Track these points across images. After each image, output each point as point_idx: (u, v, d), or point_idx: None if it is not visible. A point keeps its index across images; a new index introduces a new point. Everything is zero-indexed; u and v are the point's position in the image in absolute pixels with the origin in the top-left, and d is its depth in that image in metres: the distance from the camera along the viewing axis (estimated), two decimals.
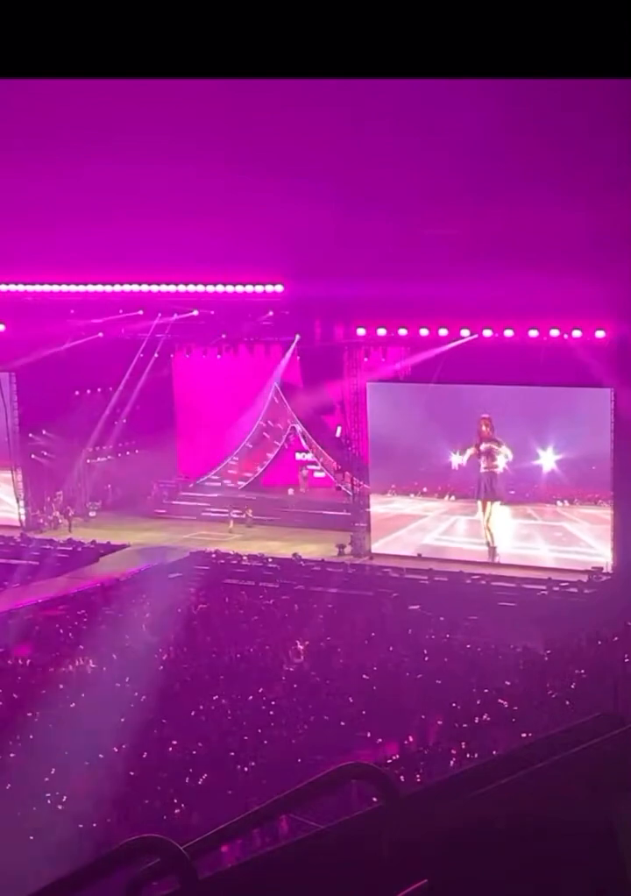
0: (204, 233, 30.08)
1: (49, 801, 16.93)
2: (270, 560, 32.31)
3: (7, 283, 36.53)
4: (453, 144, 27.69)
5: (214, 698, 21.51)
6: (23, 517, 37.24)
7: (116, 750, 18.52)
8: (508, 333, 31.24)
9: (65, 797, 16.99)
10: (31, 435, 37.58)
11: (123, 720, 19.56)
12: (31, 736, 19.55)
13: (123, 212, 30.70)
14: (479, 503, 31.66)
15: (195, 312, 36.14)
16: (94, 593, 30.21)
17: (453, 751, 18.48)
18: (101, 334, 36.96)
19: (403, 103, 25.97)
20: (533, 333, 31.07)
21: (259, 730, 19.84)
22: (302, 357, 36.94)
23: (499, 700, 20.69)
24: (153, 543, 34.68)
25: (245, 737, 19.54)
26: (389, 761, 18.22)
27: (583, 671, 22.12)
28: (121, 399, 38.40)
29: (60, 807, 16.82)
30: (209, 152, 30.15)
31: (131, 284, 35.67)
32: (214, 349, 38.21)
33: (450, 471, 31.90)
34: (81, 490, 38.68)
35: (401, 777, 16.71)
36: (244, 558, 32.72)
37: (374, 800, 2.52)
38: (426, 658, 23.48)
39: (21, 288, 36.63)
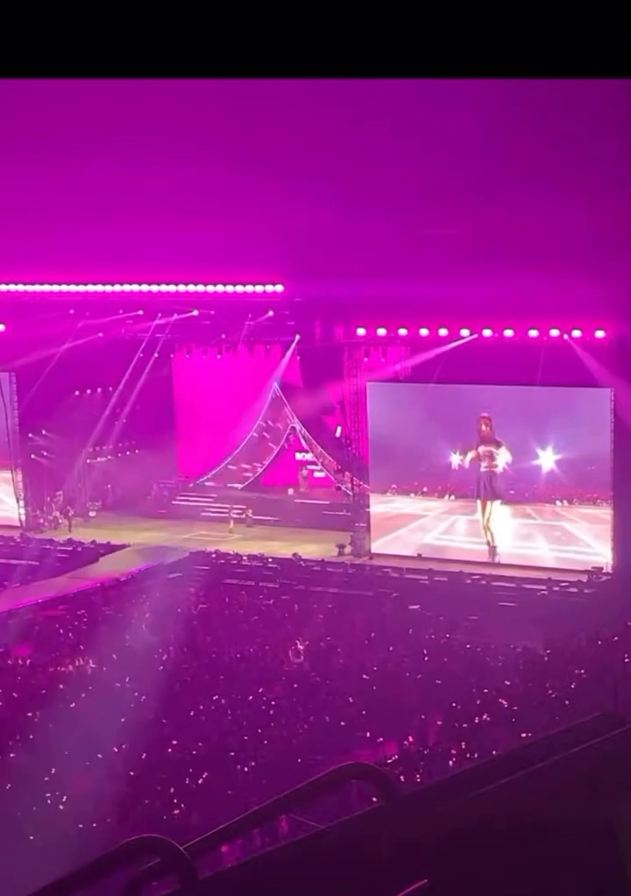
0: (204, 233, 30.08)
1: (49, 801, 16.93)
2: (270, 560, 32.31)
3: (7, 283, 36.53)
4: (453, 144, 27.69)
5: (214, 698, 21.50)
6: (23, 517, 37.25)
7: (116, 750, 18.52)
8: (508, 333, 31.24)
9: (65, 797, 16.99)
10: (31, 435, 37.60)
11: (123, 720, 19.56)
12: (31, 736, 19.55)
13: (123, 212, 30.70)
14: (479, 502, 31.67)
15: (195, 312, 36.14)
16: (94, 593, 30.22)
17: (453, 751, 18.48)
18: (101, 334, 36.95)
19: (403, 103, 25.96)
20: (533, 333, 31.07)
21: (259, 730, 19.83)
22: (302, 357, 36.94)
23: (500, 700, 20.69)
24: (153, 543, 34.68)
25: (245, 737, 19.54)
26: (389, 761, 18.22)
27: (583, 671, 22.12)
28: (121, 399, 38.40)
29: (60, 807, 16.82)
30: (209, 152, 30.15)
31: (131, 284, 35.66)
32: (214, 349, 38.20)
33: (449, 471, 31.92)
34: (81, 490, 38.69)
35: (401, 777, 16.71)
36: (244, 558, 32.72)
37: (374, 799, 2.52)
38: (426, 658, 23.48)
39: (21, 287, 36.63)
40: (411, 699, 21.12)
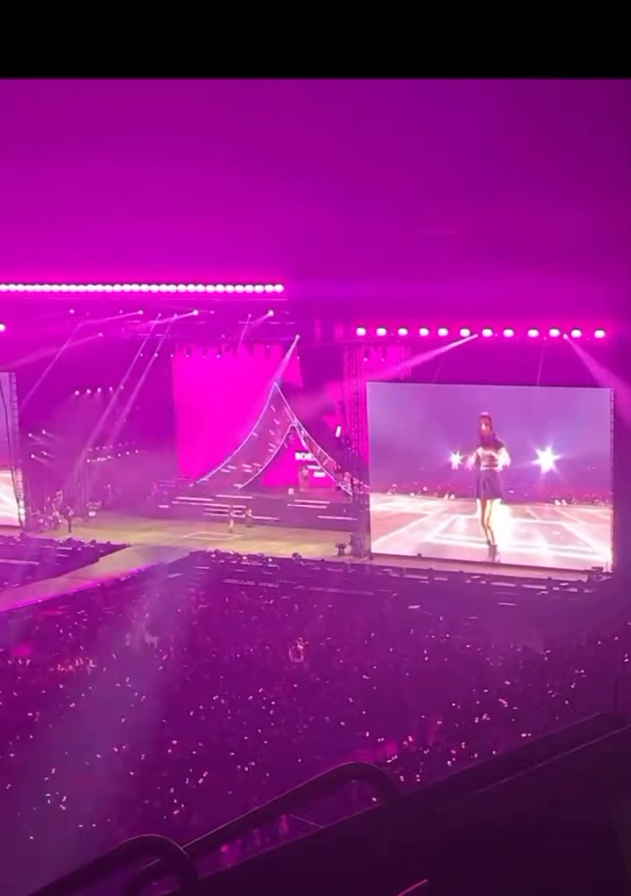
0: (204, 233, 30.07)
1: (49, 801, 16.92)
2: (270, 560, 32.32)
3: (7, 283, 36.53)
4: (453, 144, 27.69)
5: (214, 698, 21.50)
6: (23, 517, 37.25)
7: (116, 750, 18.52)
8: (508, 333, 31.25)
9: (65, 797, 16.99)
10: (31, 435, 37.61)
11: (123, 720, 19.56)
12: (31, 736, 19.56)
13: (123, 212, 30.69)
14: (478, 502, 31.69)
15: (195, 312, 36.14)
16: (94, 593, 30.22)
17: (453, 751, 18.47)
18: (101, 334, 36.95)
19: (403, 103, 25.96)
20: (533, 333, 31.08)
21: (259, 730, 19.83)
22: (302, 357, 36.94)
23: (500, 700, 20.69)
24: (153, 543, 34.68)
25: (245, 737, 19.53)
26: (389, 761, 18.22)
27: (583, 671, 22.12)
28: (121, 399, 38.41)
29: (60, 807, 16.81)
30: (209, 152, 30.14)
31: (131, 284, 35.66)
32: (214, 349, 38.21)
33: (449, 470, 31.94)
34: (81, 490, 38.70)
35: (401, 777, 16.70)
36: (244, 558, 32.73)
37: (374, 799, 2.52)
38: (426, 658, 23.48)
39: (21, 287, 36.63)
40: (411, 699, 21.11)
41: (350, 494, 35.28)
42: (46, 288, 36.40)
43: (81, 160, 29.73)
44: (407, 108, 26.82)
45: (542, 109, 27.20)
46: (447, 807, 2.49)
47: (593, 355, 30.11)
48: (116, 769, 17.97)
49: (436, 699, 20.93)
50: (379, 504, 33.04)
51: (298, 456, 38.26)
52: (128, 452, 39.61)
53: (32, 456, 37.89)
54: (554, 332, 30.89)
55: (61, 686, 22.20)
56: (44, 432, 37.91)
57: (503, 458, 31.31)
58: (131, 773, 18.02)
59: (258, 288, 34.43)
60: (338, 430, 36.76)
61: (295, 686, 22.10)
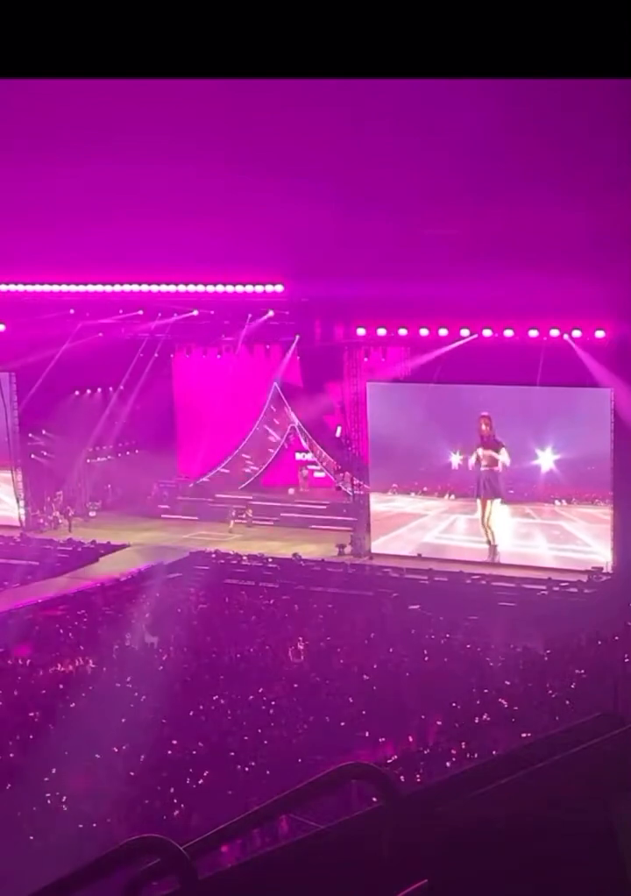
0: (204, 233, 30.07)
1: (49, 801, 16.93)
2: (270, 560, 32.31)
3: (7, 283, 36.52)
4: (453, 144, 27.69)
5: (214, 698, 21.50)
6: (23, 517, 37.25)
7: (116, 750, 18.52)
8: (508, 333, 31.24)
9: (65, 797, 16.99)
10: (31, 435, 37.61)
11: (123, 720, 19.56)
12: (31, 736, 19.56)
13: (123, 212, 30.69)
14: (478, 501, 31.69)
15: (195, 312, 36.14)
16: (94, 593, 30.21)
17: (453, 751, 18.48)
18: (101, 334, 36.95)
19: (403, 103, 25.96)
20: (533, 333, 31.07)
21: (259, 730, 19.83)
22: (302, 357, 36.94)
23: (500, 700, 20.68)
24: (153, 543, 34.69)
25: (245, 737, 19.53)
26: (389, 761, 18.22)
27: (583, 671, 22.12)
28: (121, 399, 38.41)
29: (60, 807, 16.82)
30: (209, 152, 30.14)
31: (131, 284, 35.65)
32: (214, 349, 38.21)
33: (449, 470, 31.94)
34: (81, 490, 38.70)
35: (401, 777, 16.70)
36: (244, 558, 32.72)
37: (374, 799, 2.52)
38: (426, 658, 23.47)
39: (21, 287, 36.62)
40: (411, 699, 21.10)
41: (351, 494, 35.28)
42: (46, 287, 36.39)
43: (81, 159, 29.73)
44: (407, 108, 26.81)
45: (542, 109, 27.20)
46: (447, 807, 2.49)
47: (593, 355, 30.10)
48: (116, 769, 17.97)
49: (436, 699, 20.92)
50: (379, 504, 33.04)
51: (298, 456, 38.27)
52: (128, 452, 39.62)
53: (32, 456, 37.89)
54: (554, 332, 30.89)
55: (61, 686, 22.21)
56: (44, 432, 37.92)
57: (503, 458, 31.31)
58: (131, 773, 18.02)
59: (258, 288, 34.43)
60: (338, 430, 36.75)
61: (295, 686, 22.10)
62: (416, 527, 32.47)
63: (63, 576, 32.36)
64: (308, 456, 37.98)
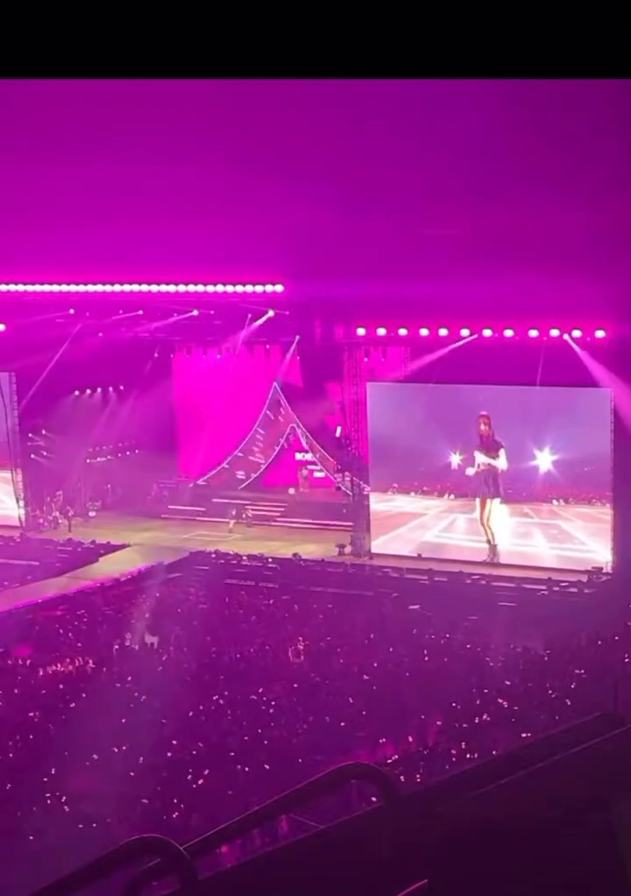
0: (204, 233, 30.05)
1: (49, 801, 16.92)
2: (270, 560, 32.32)
3: (7, 283, 36.51)
4: (453, 144, 27.67)
5: (214, 698, 21.50)
6: (23, 517, 37.24)
7: (116, 750, 18.52)
8: (508, 333, 31.23)
9: (65, 797, 16.99)
10: (31, 435, 37.61)
11: (123, 720, 19.56)
12: (31, 736, 19.55)
13: (123, 212, 30.67)
14: (478, 501, 31.70)
15: (195, 312, 36.14)
16: (94, 593, 30.21)
17: (453, 751, 18.47)
18: (101, 334, 36.95)
19: (403, 103, 25.94)
20: (533, 333, 31.06)
21: (259, 730, 19.83)
22: (302, 357, 36.96)
23: (499, 700, 20.68)
24: (153, 543, 34.69)
25: (245, 737, 19.53)
26: (389, 761, 18.21)
27: (583, 671, 22.11)
28: (121, 399, 38.42)
29: (60, 807, 16.81)
30: (209, 152, 30.13)
31: (131, 284, 35.62)
32: (214, 349, 38.21)
33: (449, 470, 31.97)
34: (81, 490, 38.70)
35: (401, 777, 16.70)
36: (244, 558, 32.73)
37: (374, 799, 2.52)
38: (426, 658, 23.47)
39: (21, 287, 36.61)
40: (411, 699, 21.10)
41: (350, 494, 35.28)
42: (46, 287, 36.36)
43: (81, 159, 29.71)
44: (407, 108, 26.80)
45: (542, 109, 27.18)
46: (447, 807, 2.49)
47: (593, 355, 30.10)
48: (116, 769, 17.96)
49: (436, 699, 20.92)
50: (379, 504, 33.05)
51: (298, 456, 38.27)
52: (128, 452, 39.62)
53: (32, 456, 37.88)
54: (554, 332, 30.88)
55: (61, 686, 22.20)
56: (44, 432, 37.92)
57: (501, 463, 31.34)
58: (131, 773, 18.02)
59: (258, 288, 34.42)
60: (338, 430, 36.76)
61: (295, 686, 22.09)
62: (416, 526, 32.49)
63: (63, 576, 32.36)
64: (308, 456, 37.99)
